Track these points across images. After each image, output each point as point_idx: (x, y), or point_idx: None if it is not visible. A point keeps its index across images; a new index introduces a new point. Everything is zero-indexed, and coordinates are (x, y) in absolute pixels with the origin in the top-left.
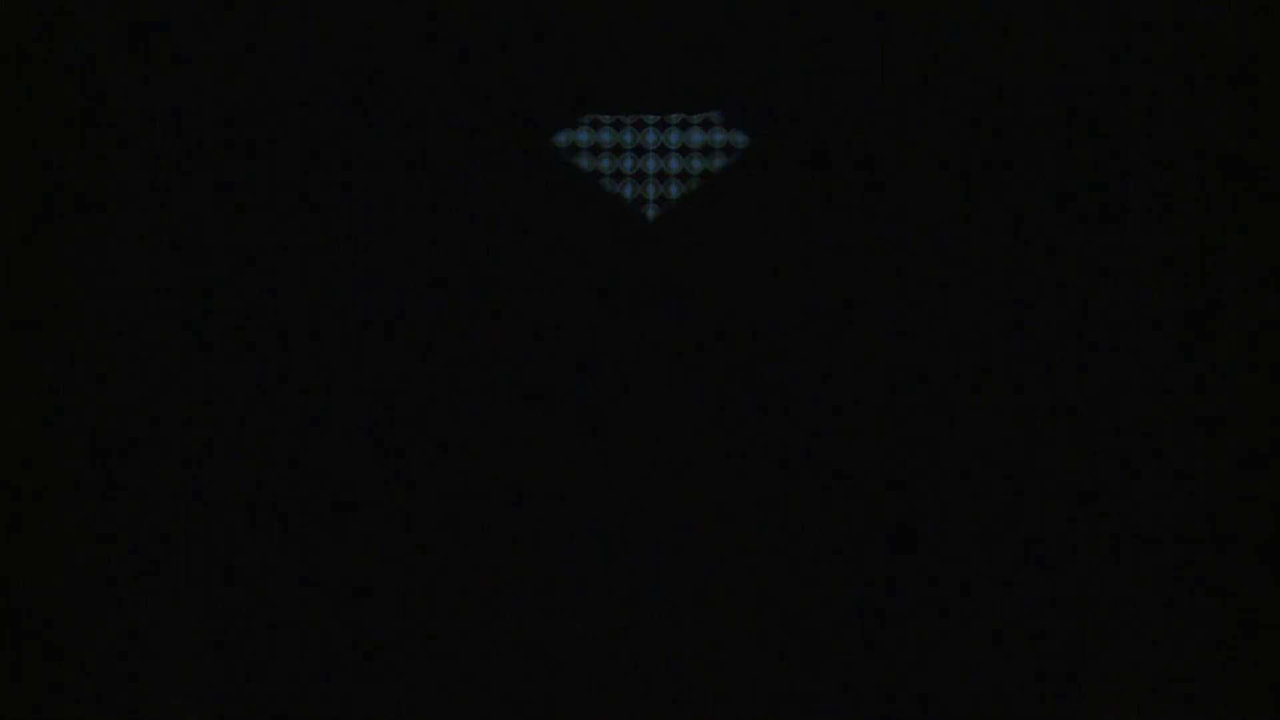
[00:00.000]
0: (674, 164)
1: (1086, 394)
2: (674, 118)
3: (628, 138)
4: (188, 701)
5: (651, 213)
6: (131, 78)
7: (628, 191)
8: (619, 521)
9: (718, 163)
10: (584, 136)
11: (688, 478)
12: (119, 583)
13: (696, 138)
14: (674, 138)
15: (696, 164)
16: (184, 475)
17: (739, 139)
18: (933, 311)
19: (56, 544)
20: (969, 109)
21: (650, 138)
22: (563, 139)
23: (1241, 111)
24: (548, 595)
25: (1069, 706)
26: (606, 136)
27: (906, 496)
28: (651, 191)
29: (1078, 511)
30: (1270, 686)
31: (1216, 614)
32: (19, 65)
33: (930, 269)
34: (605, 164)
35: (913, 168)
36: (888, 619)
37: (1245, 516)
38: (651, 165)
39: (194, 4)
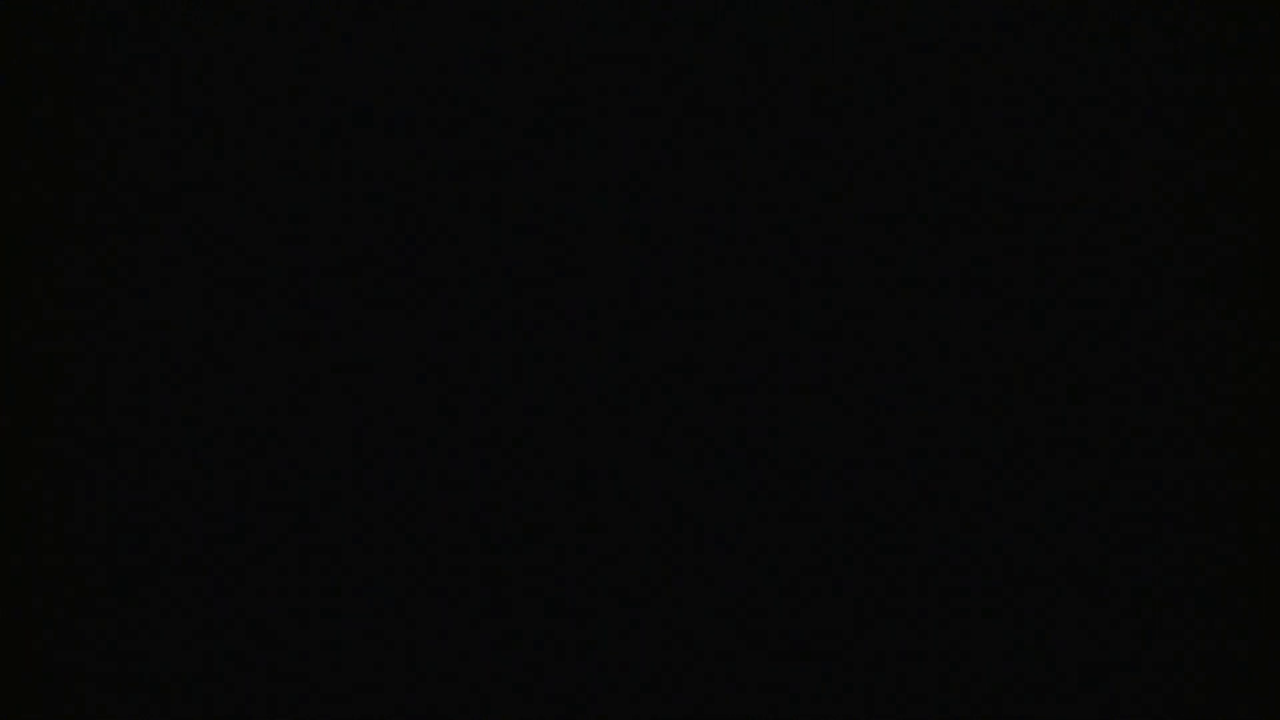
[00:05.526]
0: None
1: (1087, 394)
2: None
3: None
4: (187, 701)
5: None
6: (128, 78)
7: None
8: (617, 521)
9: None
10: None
11: (687, 477)
12: (117, 583)
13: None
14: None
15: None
16: (180, 476)
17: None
18: (934, 312)
19: (55, 544)
20: (969, 109)
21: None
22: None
23: (1244, 112)
24: (547, 595)
25: (1072, 707)
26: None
27: (905, 498)
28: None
29: (1089, 512)
30: (1270, 686)
31: (1217, 614)
32: (18, 65)
33: (930, 269)
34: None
35: (915, 167)
36: (891, 621)
37: (1245, 517)
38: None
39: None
